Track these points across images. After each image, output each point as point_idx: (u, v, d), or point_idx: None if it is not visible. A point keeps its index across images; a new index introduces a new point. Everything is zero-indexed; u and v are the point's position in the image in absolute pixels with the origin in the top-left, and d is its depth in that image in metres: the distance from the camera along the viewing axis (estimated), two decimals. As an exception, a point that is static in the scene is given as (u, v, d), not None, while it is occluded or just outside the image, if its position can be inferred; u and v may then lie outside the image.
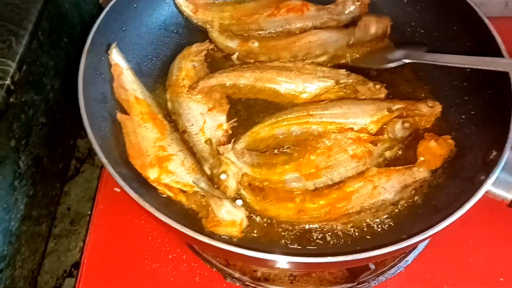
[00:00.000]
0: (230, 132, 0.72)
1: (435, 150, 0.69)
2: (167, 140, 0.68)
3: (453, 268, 0.73)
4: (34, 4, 0.83)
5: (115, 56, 0.73)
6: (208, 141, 0.70)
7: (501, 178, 0.57)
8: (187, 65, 0.78)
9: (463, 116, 0.72)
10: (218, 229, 0.60)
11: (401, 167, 0.69)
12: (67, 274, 0.85)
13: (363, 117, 0.71)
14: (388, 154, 0.71)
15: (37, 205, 0.84)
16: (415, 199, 0.67)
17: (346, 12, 0.83)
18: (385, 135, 0.71)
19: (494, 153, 0.60)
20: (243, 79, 0.76)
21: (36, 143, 0.82)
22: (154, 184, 0.64)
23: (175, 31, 0.85)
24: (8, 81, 0.73)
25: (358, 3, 0.82)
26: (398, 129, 0.70)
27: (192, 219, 0.63)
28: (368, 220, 0.65)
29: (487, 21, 0.70)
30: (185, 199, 0.64)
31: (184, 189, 0.64)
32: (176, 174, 0.64)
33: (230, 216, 0.60)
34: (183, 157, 0.67)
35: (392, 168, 0.69)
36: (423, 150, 0.70)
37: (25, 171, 0.79)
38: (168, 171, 0.64)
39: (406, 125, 0.70)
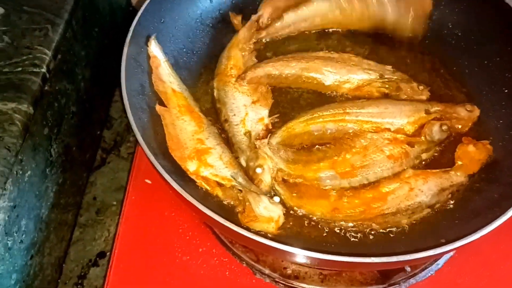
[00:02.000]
0: (270, 127, 0.72)
1: (473, 155, 0.69)
2: (205, 133, 0.68)
3: (484, 274, 0.72)
4: (70, -6, 0.84)
5: (154, 48, 0.73)
6: (247, 133, 0.70)
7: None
8: (236, 53, 0.79)
9: (501, 121, 0.71)
10: (255, 224, 0.60)
11: (438, 170, 0.68)
12: (92, 263, 0.86)
13: (400, 117, 0.71)
14: (424, 156, 0.70)
15: (65, 194, 0.85)
16: (451, 203, 0.67)
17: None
18: (422, 137, 0.70)
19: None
20: (289, 69, 0.76)
21: (67, 132, 0.83)
22: (193, 177, 0.64)
23: (211, 25, 0.85)
24: (44, 69, 0.74)
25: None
26: (436, 132, 0.70)
27: (228, 213, 0.63)
28: (403, 222, 0.65)
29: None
30: (222, 193, 0.64)
31: (222, 182, 0.64)
32: (214, 167, 0.64)
33: (267, 212, 0.60)
34: (221, 151, 0.67)
35: (429, 170, 0.69)
36: (461, 154, 0.69)
37: (56, 159, 0.79)
38: (207, 164, 0.64)
39: (444, 127, 0.70)
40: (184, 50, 0.82)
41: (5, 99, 0.69)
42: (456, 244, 0.52)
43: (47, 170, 0.77)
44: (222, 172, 0.64)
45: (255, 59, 0.80)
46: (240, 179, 0.64)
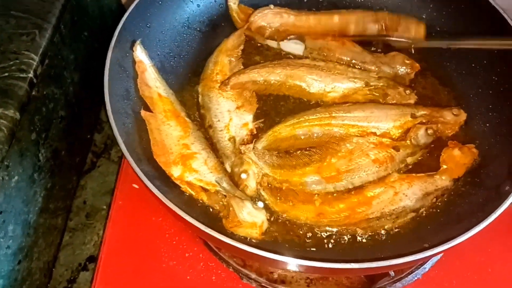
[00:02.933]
0: (255, 132, 0.72)
1: (458, 159, 0.69)
2: (190, 138, 0.68)
3: (471, 276, 0.72)
4: (58, -2, 0.84)
5: (139, 53, 0.73)
6: (232, 139, 0.70)
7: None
8: (223, 59, 0.79)
9: (487, 125, 0.71)
10: (239, 230, 0.60)
11: (423, 174, 0.69)
12: (81, 267, 0.86)
13: (386, 121, 0.71)
14: (410, 160, 0.70)
15: (54, 198, 0.84)
16: (437, 207, 0.67)
17: (392, 67, 0.79)
18: (407, 141, 0.70)
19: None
20: (273, 76, 0.76)
21: (55, 136, 0.83)
22: (177, 182, 0.64)
23: (198, 29, 0.85)
24: (31, 74, 0.73)
25: (408, 64, 0.78)
26: (422, 136, 0.70)
27: (212, 218, 0.63)
28: (387, 226, 0.65)
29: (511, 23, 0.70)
30: (206, 198, 0.64)
31: (207, 187, 0.64)
32: (199, 173, 0.64)
33: (251, 217, 0.60)
34: (206, 156, 0.67)
35: (414, 174, 0.69)
36: (446, 158, 0.69)
37: (44, 164, 0.79)
38: (191, 169, 0.64)
39: (430, 131, 0.70)
40: (171, 54, 0.81)
41: None
42: (438, 249, 0.52)
43: (35, 175, 0.77)
44: (206, 177, 0.64)
45: (241, 66, 0.80)
46: (225, 184, 0.64)
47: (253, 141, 0.70)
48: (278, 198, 0.67)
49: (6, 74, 0.73)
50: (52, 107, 0.81)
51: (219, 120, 0.72)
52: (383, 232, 0.65)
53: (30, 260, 0.77)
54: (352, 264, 0.50)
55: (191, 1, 0.84)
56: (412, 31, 0.78)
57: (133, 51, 0.73)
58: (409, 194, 0.66)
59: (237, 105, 0.74)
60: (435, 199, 0.67)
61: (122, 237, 0.75)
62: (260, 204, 0.65)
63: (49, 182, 0.81)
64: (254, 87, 0.76)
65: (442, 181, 0.68)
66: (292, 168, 0.68)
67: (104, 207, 0.92)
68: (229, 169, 0.68)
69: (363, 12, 0.82)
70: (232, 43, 0.81)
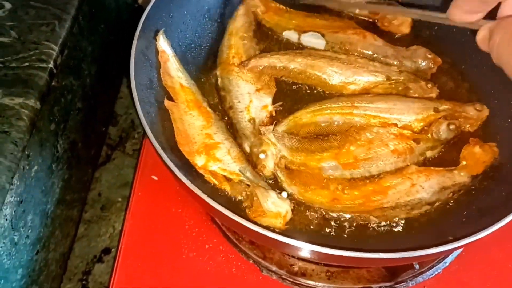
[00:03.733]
0: (274, 114, 0.73)
1: (478, 156, 0.68)
2: (213, 128, 0.68)
3: (491, 272, 0.72)
4: (77, -10, 0.84)
5: (162, 43, 0.73)
6: (252, 120, 0.71)
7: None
8: (237, 42, 0.79)
9: (509, 120, 0.71)
10: (262, 219, 0.60)
11: (441, 168, 0.68)
12: (97, 259, 0.86)
13: (408, 114, 0.71)
14: (429, 153, 0.70)
15: (71, 190, 0.84)
16: (456, 201, 0.67)
17: (414, 61, 0.78)
18: (429, 135, 0.70)
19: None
20: (294, 64, 0.76)
21: (73, 128, 0.83)
22: (201, 171, 0.64)
23: (219, 20, 0.85)
24: (51, 64, 0.74)
25: (430, 58, 0.78)
26: (443, 130, 0.70)
27: (235, 208, 0.63)
28: (402, 216, 0.65)
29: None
30: (229, 188, 0.64)
31: (230, 177, 0.64)
32: (223, 162, 0.64)
33: (275, 207, 0.60)
34: (229, 146, 0.67)
35: (432, 168, 0.68)
36: (466, 155, 0.69)
37: (62, 155, 0.79)
38: (215, 158, 0.64)
39: (452, 127, 0.70)
40: (193, 45, 0.81)
41: (12, 94, 0.69)
42: (464, 241, 0.52)
43: (53, 165, 0.77)
44: (230, 166, 0.64)
45: (256, 46, 0.80)
46: (248, 174, 0.64)
47: (273, 123, 0.70)
48: (294, 180, 0.66)
49: (27, 64, 0.73)
50: (70, 99, 0.82)
51: (239, 102, 0.72)
52: (398, 223, 0.65)
53: (47, 251, 0.77)
54: (381, 254, 0.50)
55: (214, -7, 0.84)
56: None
57: (156, 40, 0.73)
58: (426, 187, 0.66)
59: (256, 88, 0.74)
60: (451, 194, 0.67)
61: (142, 229, 0.75)
62: (284, 194, 0.64)
63: (66, 173, 0.82)
64: (273, 71, 0.76)
65: (460, 177, 0.67)
66: (311, 153, 0.68)
67: (119, 199, 0.92)
68: (247, 149, 0.68)
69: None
70: (240, 23, 0.82)
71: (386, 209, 0.65)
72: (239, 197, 0.64)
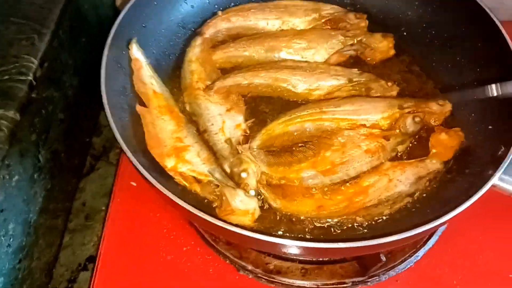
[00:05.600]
0: (248, 131, 0.74)
1: (446, 142, 0.71)
2: (184, 132, 0.70)
3: (462, 264, 0.73)
4: (57, 4, 0.86)
5: (135, 51, 0.76)
6: (228, 140, 0.72)
7: (509, 173, 0.58)
8: (198, 68, 0.80)
9: (473, 114, 0.73)
10: (232, 217, 0.62)
11: (414, 160, 0.71)
12: (81, 267, 0.87)
13: (375, 113, 0.73)
14: (400, 148, 0.72)
15: (54, 199, 0.86)
16: (429, 192, 0.69)
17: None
18: (397, 130, 0.72)
19: (503, 149, 0.61)
20: (258, 79, 0.78)
21: (55, 138, 0.84)
22: (171, 173, 0.66)
23: (193, 29, 0.87)
24: (30, 77, 0.76)
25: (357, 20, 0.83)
26: (409, 124, 0.72)
27: (206, 208, 0.64)
28: (386, 212, 0.67)
29: (499, 24, 0.72)
30: (199, 189, 0.66)
31: (200, 178, 0.66)
32: (192, 164, 0.66)
33: (243, 205, 0.62)
34: (199, 149, 0.69)
35: (405, 161, 0.71)
36: (434, 143, 0.71)
37: (44, 165, 0.81)
38: (184, 160, 0.66)
39: (417, 119, 0.72)
40: (166, 53, 0.84)
41: None
42: (417, 230, 0.54)
43: (35, 175, 0.78)
44: (199, 168, 0.66)
45: (218, 71, 0.81)
46: (217, 175, 0.66)
47: (249, 140, 0.71)
48: (278, 195, 0.68)
49: (7, 77, 0.75)
50: (51, 109, 0.83)
51: (212, 124, 0.73)
52: (382, 218, 0.67)
53: (30, 260, 0.78)
54: (341, 243, 0.52)
55: (186, 2, 0.87)
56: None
57: (128, 49, 0.75)
58: (403, 180, 0.68)
59: (226, 108, 0.75)
60: (428, 182, 0.69)
61: (121, 234, 0.76)
62: (252, 192, 0.66)
63: (49, 183, 0.83)
64: (239, 89, 0.78)
65: (433, 164, 0.70)
66: (288, 165, 0.70)
67: (103, 208, 0.93)
68: (228, 170, 0.69)
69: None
70: (198, 51, 0.82)
71: (369, 207, 0.67)
72: (209, 198, 0.66)
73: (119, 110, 0.68)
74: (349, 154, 0.70)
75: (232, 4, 0.89)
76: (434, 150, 0.71)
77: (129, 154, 0.59)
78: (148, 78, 0.75)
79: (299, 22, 0.85)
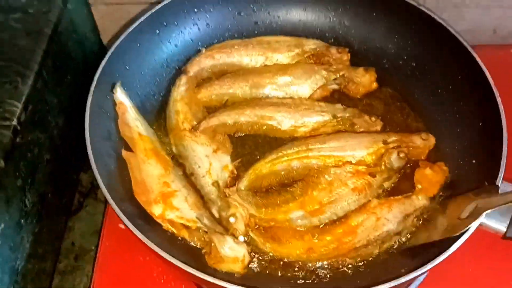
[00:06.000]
0: (235, 173, 0.74)
1: (431, 177, 0.71)
2: (171, 176, 0.70)
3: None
4: (40, 44, 0.85)
5: (120, 95, 0.75)
6: (215, 183, 0.72)
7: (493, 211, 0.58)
8: (183, 107, 0.80)
9: (456, 148, 0.74)
10: (221, 265, 0.62)
11: (400, 196, 0.71)
12: (73, 310, 0.86)
13: (360, 149, 0.74)
14: (387, 184, 0.73)
15: (42, 242, 0.84)
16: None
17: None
18: (382, 166, 0.73)
19: (486, 185, 0.62)
20: (244, 117, 0.78)
21: (41, 181, 0.83)
22: (159, 221, 0.66)
23: (177, 67, 0.87)
24: (14, 122, 0.74)
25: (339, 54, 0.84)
26: (394, 160, 0.73)
27: (195, 255, 0.65)
28: (375, 252, 0.67)
29: (475, 55, 0.73)
30: (188, 235, 0.66)
31: (188, 224, 0.66)
32: (180, 210, 0.66)
33: (232, 252, 0.61)
34: (186, 193, 0.69)
35: (392, 198, 0.71)
36: (419, 178, 0.72)
37: (30, 209, 0.79)
38: (172, 206, 0.66)
39: (402, 155, 0.73)
40: (151, 93, 0.84)
41: None
42: (409, 276, 0.55)
43: (22, 221, 0.77)
44: (187, 214, 0.66)
45: (204, 110, 0.82)
46: (205, 221, 0.66)
47: (236, 182, 0.71)
48: (268, 238, 0.68)
49: None
50: (37, 152, 0.82)
51: (199, 167, 0.73)
52: (371, 259, 0.67)
53: (19, 307, 0.77)
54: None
55: (169, 42, 0.87)
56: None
57: (113, 93, 0.75)
58: (390, 218, 0.69)
59: (213, 149, 0.75)
60: (415, 219, 0.70)
61: (111, 278, 0.75)
62: (241, 238, 0.66)
63: (36, 226, 0.82)
64: (225, 129, 0.78)
65: (419, 200, 0.70)
66: (277, 206, 0.70)
67: (93, 247, 0.92)
68: (216, 214, 0.69)
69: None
70: (183, 90, 0.82)
71: (359, 248, 0.67)
72: (198, 244, 0.66)
73: (105, 156, 0.68)
74: (336, 193, 0.71)
75: (216, 41, 0.90)
76: (419, 186, 0.71)
77: (112, 203, 0.59)
78: (133, 121, 0.75)
79: (283, 58, 0.86)
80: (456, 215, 0.61)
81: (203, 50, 0.87)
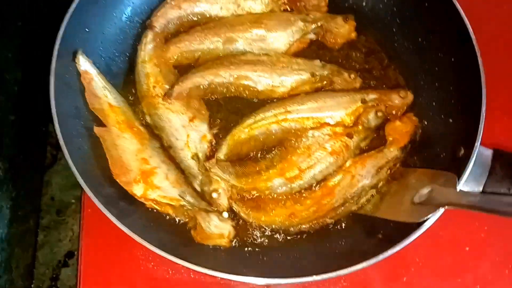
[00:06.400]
0: (214, 142, 0.72)
1: (401, 128, 0.73)
2: (148, 151, 0.69)
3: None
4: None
5: (83, 63, 0.70)
6: (195, 156, 0.70)
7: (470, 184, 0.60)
8: (153, 69, 0.75)
9: (434, 104, 0.74)
10: (208, 241, 0.64)
11: (372, 151, 0.73)
12: (62, 264, 0.89)
13: (339, 109, 0.73)
14: (363, 144, 0.74)
15: (22, 204, 0.84)
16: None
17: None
18: (359, 126, 0.73)
19: (463, 151, 0.63)
20: (219, 78, 0.74)
21: (9, 144, 0.80)
22: (141, 200, 0.66)
23: (141, 21, 0.80)
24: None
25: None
26: (372, 118, 0.73)
27: (181, 231, 0.66)
28: (353, 209, 0.70)
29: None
30: (172, 211, 0.67)
31: (171, 203, 0.66)
32: (161, 189, 0.66)
33: (218, 229, 0.63)
34: (166, 170, 0.68)
35: (365, 154, 0.73)
36: (390, 131, 0.73)
37: (4, 176, 0.78)
38: (153, 186, 0.66)
39: (379, 114, 0.73)
40: (117, 54, 0.78)
41: None
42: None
43: (-3, 190, 0.76)
44: (169, 192, 0.66)
45: (176, 72, 0.77)
46: (188, 198, 0.66)
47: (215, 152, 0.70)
48: (251, 208, 0.69)
49: None
50: (1, 116, 0.78)
51: (177, 139, 0.71)
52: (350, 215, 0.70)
53: (9, 271, 0.79)
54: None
55: (130, -8, 0.78)
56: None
57: (75, 62, 0.69)
58: (364, 174, 0.71)
59: (189, 118, 0.73)
60: (389, 170, 0.72)
61: (97, 246, 0.74)
62: (225, 214, 0.67)
63: (13, 191, 0.81)
64: (199, 92, 0.75)
65: (390, 152, 0.72)
66: (257, 174, 0.70)
67: (73, 201, 0.93)
68: (198, 188, 0.69)
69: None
70: (150, 48, 0.77)
71: (337, 208, 0.70)
72: (183, 219, 0.67)
73: (76, 137, 0.65)
74: (315, 157, 0.71)
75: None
76: (390, 138, 0.72)
77: (90, 194, 0.58)
78: (101, 90, 0.71)
79: (255, 5, 0.80)
80: (411, 192, 0.64)
81: (168, 0, 0.79)
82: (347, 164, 0.71)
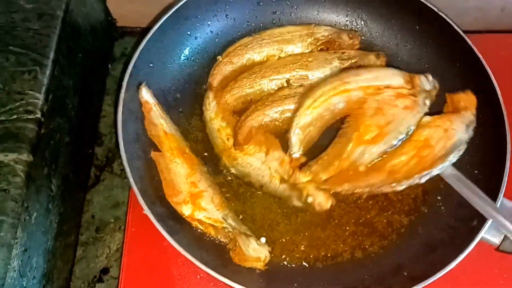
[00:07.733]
0: (291, 160, 0.75)
1: (465, 97, 0.75)
2: (197, 175, 0.74)
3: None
4: (53, 28, 0.84)
5: (145, 94, 0.77)
6: (282, 180, 0.74)
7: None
8: (221, 124, 0.81)
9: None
10: (245, 262, 0.69)
11: (449, 113, 0.75)
12: (97, 279, 0.93)
13: (394, 78, 0.75)
14: (428, 102, 0.75)
15: (67, 220, 0.89)
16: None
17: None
18: (417, 88, 0.74)
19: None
20: (266, 117, 0.79)
21: (63, 164, 0.86)
22: (188, 219, 0.71)
23: (197, 60, 0.88)
24: (38, 114, 0.75)
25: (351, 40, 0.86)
26: (424, 82, 0.75)
27: (221, 250, 0.71)
28: (454, 160, 0.70)
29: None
30: (214, 232, 0.72)
31: (215, 224, 0.71)
32: (207, 211, 0.71)
33: (255, 253, 0.68)
34: (212, 194, 0.73)
35: (442, 114, 0.75)
36: (456, 98, 0.76)
37: (56, 193, 0.83)
38: (200, 207, 0.71)
39: (430, 78, 0.75)
40: (173, 88, 0.85)
41: (5, 150, 0.72)
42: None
43: (50, 205, 0.81)
44: (214, 214, 0.71)
45: (236, 117, 0.82)
46: (230, 221, 0.71)
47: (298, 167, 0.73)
48: (342, 181, 0.70)
49: (15, 116, 0.75)
50: (58, 138, 0.84)
51: (263, 176, 0.75)
52: None
53: (51, 283, 0.83)
54: None
55: (189, 35, 0.87)
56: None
57: (138, 94, 0.77)
58: (456, 128, 0.71)
59: (264, 153, 0.76)
60: (473, 130, 0.73)
61: (137, 263, 0.80)
62: (263, 239, 0.72)
63: (61, 207, 0.86)
64: (263, 128, 0.79)
65: (468, 114, 0.74)
66: (338, 155, 0.70)
67: (112, 220, 0.98)
68: (300, 205, 0.73)
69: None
70: (214, 106, 0.83)
71: (442, 157, 0.68)
72: (224, 240, 0.72)
73: (135, 160, 0.71)
74: (390, 114, 0.70)
75: (235, 31, 0.91)
76: (462, 103, 0.74)
77: (147, 211, 0.64)
78: (157, 119, 0.77)
79: (297, 48, 0.87)
80: None
81: (219, 58, 0.86)
82: (431, 120, 0.71)
